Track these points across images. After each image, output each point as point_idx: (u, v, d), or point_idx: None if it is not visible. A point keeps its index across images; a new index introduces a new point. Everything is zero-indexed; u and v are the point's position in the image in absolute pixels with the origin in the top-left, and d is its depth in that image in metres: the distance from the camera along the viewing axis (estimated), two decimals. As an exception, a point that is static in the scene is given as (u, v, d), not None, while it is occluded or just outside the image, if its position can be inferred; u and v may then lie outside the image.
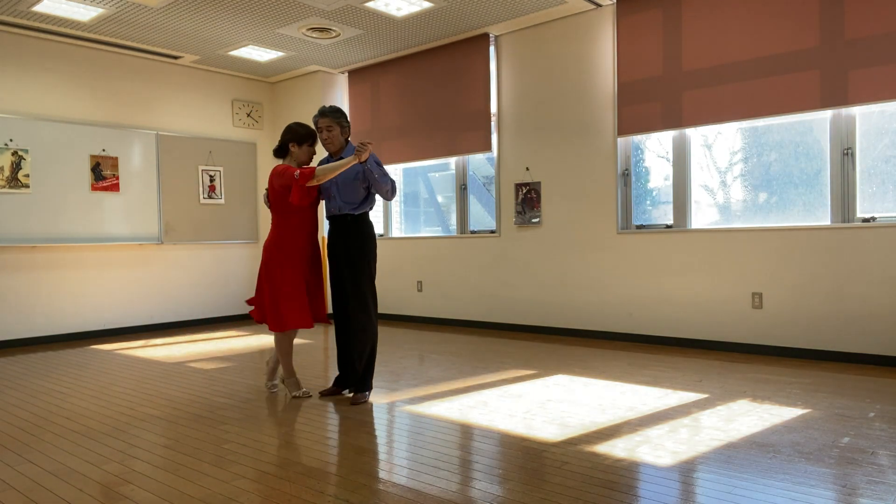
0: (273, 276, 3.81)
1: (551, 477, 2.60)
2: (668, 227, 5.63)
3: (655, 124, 5.54)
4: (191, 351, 5.80)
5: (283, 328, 3.83)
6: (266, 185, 4.09)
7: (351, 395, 3.99)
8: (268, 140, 8.33)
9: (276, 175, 3.76)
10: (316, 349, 5.74)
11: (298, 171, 3.68)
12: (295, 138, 3.84)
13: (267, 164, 8.33)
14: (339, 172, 3.67)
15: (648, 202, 5.83)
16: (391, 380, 4.43)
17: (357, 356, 3.87)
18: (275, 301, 3.81)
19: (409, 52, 7.14)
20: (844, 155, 4.76)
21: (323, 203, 4.04)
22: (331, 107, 3.86)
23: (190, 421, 3.52)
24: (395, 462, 2.82)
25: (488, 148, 6.64)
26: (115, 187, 6.79)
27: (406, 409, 3.68)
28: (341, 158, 3.82)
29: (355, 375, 3.92)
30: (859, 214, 4.72)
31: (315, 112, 3.90)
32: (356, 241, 3.85)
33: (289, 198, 3.73)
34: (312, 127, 3.89)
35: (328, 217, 3.92)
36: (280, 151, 3.89)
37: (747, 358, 4.94)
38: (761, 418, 3.33)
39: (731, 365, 4.69)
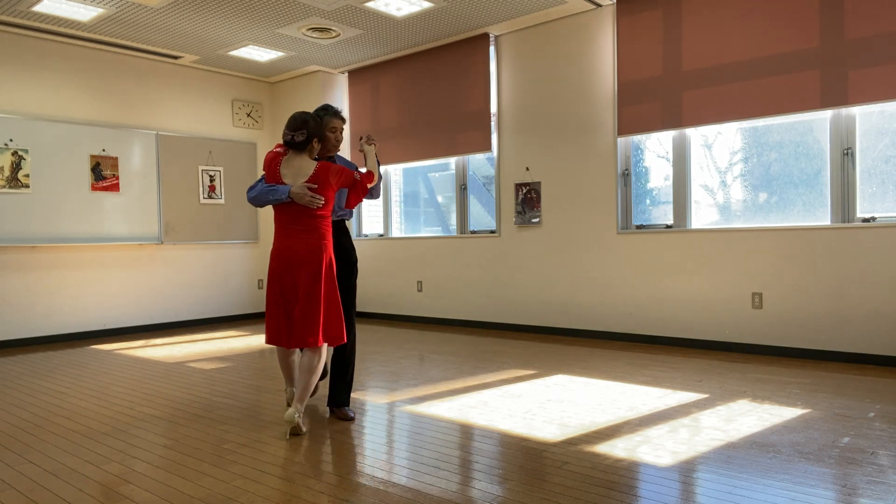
0: (330, 285, 3.31)
1: (551, 477, 2.59)
2: (668, 227, 5.63)
3: (655, 124, 5.54)
4: (191, 351, 5.80)
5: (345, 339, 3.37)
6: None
7: (333, 410, 3.63)
8: (268, 140, 8.33)
9: (335, 174, 3.30)
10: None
11: (359, 173, 3.41)
12: (319, 134, 3.37)
13: (267, 164, 8.32)
14: None
15: (648, 202, 5.83)
16: (391, 380, 4.43)
17: (345, 368, 3.60)
18: (338, 312, 3.34)
19: (409, 52, 7.14)
20: (844, 155, 4.76)
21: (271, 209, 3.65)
22: (337, 109, 3.66)
23: (190, 421, 3.52)
24: (395, 462, 2.82)
25: (488, 148, 6.64)
26: (115, 187, 6.79)
27: (406, 409, 3.68)
28: (331, 159, 3.59)
29: (342, 388, 3.61)
30: (859, 214, 4.72)
31: (317, 109, 3.66)
32: (350, 248, 3.65)
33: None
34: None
35: None
36: (306, 145, 3.30)
37: (747, 358, 4.94)
38: (761, 418, 3.33)
39: (731, 365, 4.69)
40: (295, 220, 3.26)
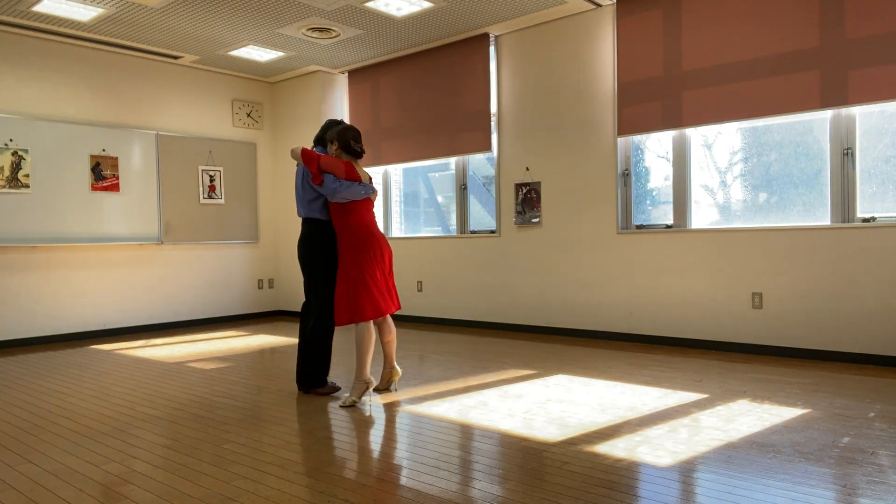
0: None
1: (551, 477, 2.59)
2: (668, 227, 5.63)
3: (655, 124, 5.54)
4: (191, 351, 5.80)
5: None
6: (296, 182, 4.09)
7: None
8: (268, 140, 8.33)
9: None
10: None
11: None
12: None
13: (267, 164, 8.33)
14: None
15: (648, 202, 5.83)
16: (391, 380, 4.42)
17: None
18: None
19: (409, 52, 7.14)
20: (844, 155, 4.76)
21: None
22: None
23: (190, 421, 3.52)
24: (395, 462, 2.82)
25: (488, 148, 6.64)
26: (115, 187, 6.79)
27: (406, 409, 3.68)
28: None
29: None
30: (859, 214, 4.72)
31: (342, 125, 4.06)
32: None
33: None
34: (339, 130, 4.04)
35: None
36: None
37: (747, 358, 4.94)
38: (761, 418, 3.33)
39: (731, 365, 4.69)
40: (371, 213, 3.96)
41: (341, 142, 3.92)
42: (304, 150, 3.85)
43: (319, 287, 3.96)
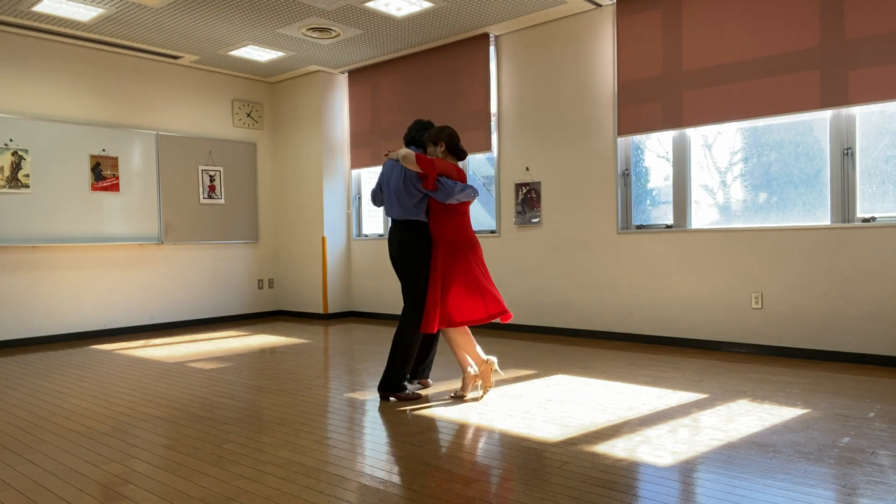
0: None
1: (551, 477, 2.60)
2: (668, 227, 5.63)
3: (655, 124, 5.54)
4: (191, 351, 5.80)
5: None
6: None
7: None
8: (268, 140, 8.33)
9: None
10: (316, 349, 5.75)
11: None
12: None
13: (267, 164, 8.32)
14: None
15: (648, 202, 5.83)
16: (391, 380, 4.42)
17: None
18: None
19: (409, 52, 7.14)
20: (844, 155, 4.76)
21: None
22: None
23: (190, 421, 3.52)
24: (395, 462, 2.82)
25: (488, 148, 6.64)
26: (115, 187, 6.79)
27: (406, 409, 3.68)
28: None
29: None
30: (859, 214, 4.72)
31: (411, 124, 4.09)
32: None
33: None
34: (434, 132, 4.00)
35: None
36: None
37: (747, 358, 4.94)
38: (761, 418, 3.33)
39: (731, 365, 4.69)
40: (468, 216, 3.93)
41: (448, 143, 3.89)
42: (419, 156, 3.71)
43: (419, 289, 3.82)
